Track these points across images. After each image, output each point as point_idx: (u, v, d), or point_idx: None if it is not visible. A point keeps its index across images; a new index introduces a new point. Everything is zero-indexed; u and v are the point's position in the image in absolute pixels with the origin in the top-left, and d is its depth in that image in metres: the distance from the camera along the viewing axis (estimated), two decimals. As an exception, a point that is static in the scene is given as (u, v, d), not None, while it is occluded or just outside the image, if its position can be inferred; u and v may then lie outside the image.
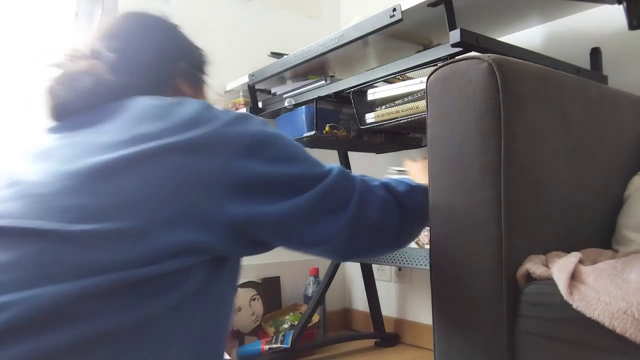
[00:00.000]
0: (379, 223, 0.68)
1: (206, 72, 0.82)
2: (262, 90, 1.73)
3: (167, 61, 0.75)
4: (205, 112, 0.60)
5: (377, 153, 1.90)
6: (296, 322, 1.72)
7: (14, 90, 1.48)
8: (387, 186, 0.72)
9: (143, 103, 0.62)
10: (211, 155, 0.56)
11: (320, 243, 0.64)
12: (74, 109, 0.65)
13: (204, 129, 0.58)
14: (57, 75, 0.66)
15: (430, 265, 0.81)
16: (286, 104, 1.49)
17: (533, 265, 0.71)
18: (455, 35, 1.01)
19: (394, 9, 1.11)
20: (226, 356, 1.42)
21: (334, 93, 1.38)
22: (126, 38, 0.71)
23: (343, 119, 1.47)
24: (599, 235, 0.95)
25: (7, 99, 1.47)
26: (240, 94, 1.79)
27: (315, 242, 0.64)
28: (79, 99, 0.65)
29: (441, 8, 1.05)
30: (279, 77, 1.60)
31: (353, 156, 1.85)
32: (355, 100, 1.31)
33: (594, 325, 0.60)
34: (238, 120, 0.61)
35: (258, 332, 1.77)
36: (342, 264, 1.72)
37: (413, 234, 0.77)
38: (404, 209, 0.72)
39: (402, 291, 1.92)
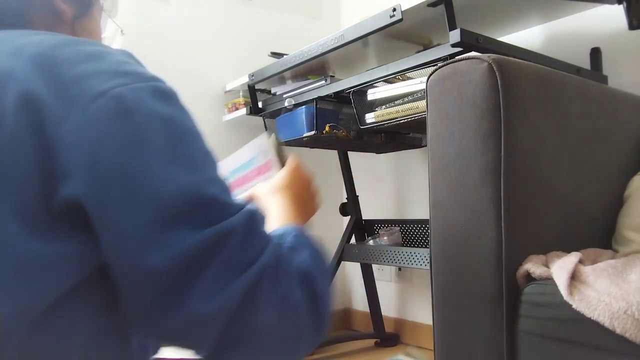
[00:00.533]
0: (271, 331, 0.41)
1: None
2: (262, 90, 1.73)
3: None
4: (49, 52, 0.41)
5: (377, 153, 1.90)
6: (296, 322, 1.72)
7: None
8: (306, 277, 0.44)
9: None
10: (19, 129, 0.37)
11: (171, 332, 0.39)
12: None
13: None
14: None
15: (430, 265, 0.81)
16: (286, 104, 1.49)
17: (533, 265, 0.71)
18: (455, 35, 1.01)
19: (394, 9, 1.11)
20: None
21: (334, 93, 1.38)
22: None
23: (343, 119, 1.47)
24: (599, 235, 0.95)
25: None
26: (240, 94, 1.79)
27: (164, 330, 0.39)
28: None
29: (441, 8, 1.05)
30: (279, 77, 1.60)
31: (353, 156, 1.85)
32: (355, 100, 1.31)
33: (594, 325, 0.60)
34: (108, 70, 0.41)
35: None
36: (342, 264, 1.71)
37: (313, 346, 0.46)
38: (316, 317, 0.45)
39: (402, 291, 1.92)
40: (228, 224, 0.39)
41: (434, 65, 1.00)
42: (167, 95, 0.42)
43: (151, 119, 0.39)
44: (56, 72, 0.39)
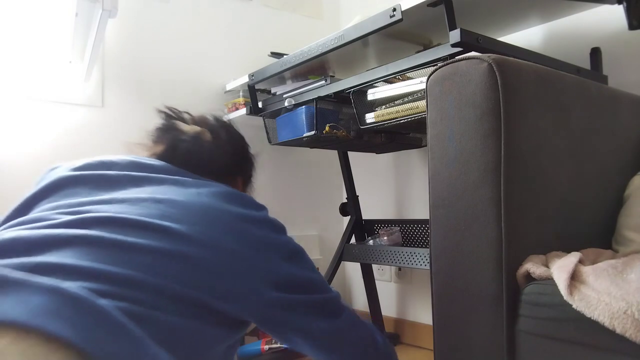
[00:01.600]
0: (361, 338, 0.81)
1: (254, 176, 1.01)
2: (262, 90, 1.73)
3: (241, 160, 0.94)
4: (262, 216, 0.76)
5: (377, 153, 1.90)
6: (296, 322, 1.71)
7: (12, 91, 1.48)
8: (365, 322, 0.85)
9: (226, 208, 0.74)
10: (265, 255, 0.71)
11: (311, 334, 0.75)
12: (178, 161, 0.80)
13: (261, 230, 0.73)
14: (174, 127, 0.84)
15: (430, 265, 0.81)
16: (286, 104, 1.49)
17: (533, 265, 0.71)
18: (455, 35, 1.01)
19: (394, 9, 1.11)
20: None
21: (334, 93, 1.38)
22: (219, 129, 0.89)
23: (343, 119, 1.47)
24: (599, 235, 0.95)
25: (8, 96, 1.47)
26: (240, 94, 1.79)
27: (309, 332, 0.74)
28: (194, 158, 0.81)
29: (441, 8, 1.05)
30: (279, 77, 1.60)
31: (353, 156, 1.85)
32: (355, 100, 1.31)
33: (594, 325, 0.60)
34: (279, 229, 0.77)
35: (258, 332, 1.77)
36: (342, 264, 1.71)
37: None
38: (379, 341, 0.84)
39: (402, 291, 1.92)
40: (335, 293, 0.79)
41: (434, 65, 1.00)
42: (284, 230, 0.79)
43: (302, 253, 0.77)
44: (263, 229, 0.74)
